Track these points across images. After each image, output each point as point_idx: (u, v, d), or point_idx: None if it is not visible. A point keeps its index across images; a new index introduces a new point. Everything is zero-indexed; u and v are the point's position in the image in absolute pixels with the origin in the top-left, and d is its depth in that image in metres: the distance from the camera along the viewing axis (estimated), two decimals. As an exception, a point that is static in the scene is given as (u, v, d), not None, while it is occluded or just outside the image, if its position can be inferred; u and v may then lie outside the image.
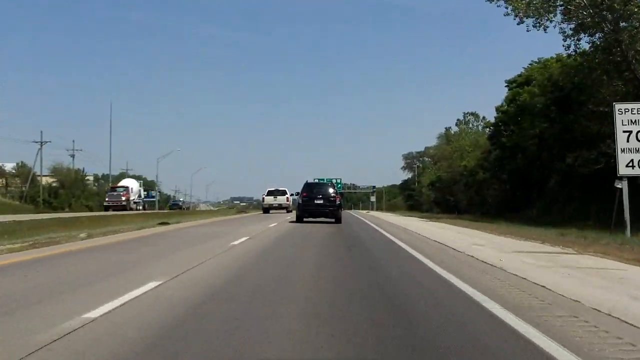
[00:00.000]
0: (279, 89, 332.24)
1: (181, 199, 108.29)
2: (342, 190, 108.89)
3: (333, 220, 23.87)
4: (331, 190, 24.93)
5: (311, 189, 25.08)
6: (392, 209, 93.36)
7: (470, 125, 72.89)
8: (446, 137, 73.09)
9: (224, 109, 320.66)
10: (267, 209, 42.10)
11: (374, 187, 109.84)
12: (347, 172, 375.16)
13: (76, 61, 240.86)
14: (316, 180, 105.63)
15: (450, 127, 74.74)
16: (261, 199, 45.58)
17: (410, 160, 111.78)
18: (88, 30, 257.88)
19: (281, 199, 42.56)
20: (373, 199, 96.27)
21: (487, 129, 47.51)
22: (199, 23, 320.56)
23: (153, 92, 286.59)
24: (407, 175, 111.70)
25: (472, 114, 73.97)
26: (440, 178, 59.03)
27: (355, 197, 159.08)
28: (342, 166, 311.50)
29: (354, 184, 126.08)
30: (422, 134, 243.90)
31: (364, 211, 74.41)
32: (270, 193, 42.92)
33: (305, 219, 24.36)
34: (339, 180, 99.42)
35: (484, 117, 73.58)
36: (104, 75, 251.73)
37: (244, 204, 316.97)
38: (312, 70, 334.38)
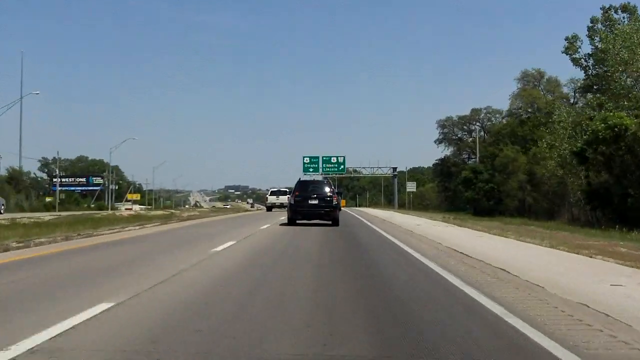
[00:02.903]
0: (270, 70, 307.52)
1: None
2: (344, 175, 74.71)
3: (330, 222, 22.04)
4: (327, 189, 22.97)
5: (305, 188, 23.25)
6: (417, 206, 55.44)
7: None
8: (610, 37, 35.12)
9: (216, 98, 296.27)
10: (270, 208, 48.57)
11: (395, 169, 72.22)
12: (349, 152, 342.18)
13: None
14: (307, 160, 70.79)
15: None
16: (265, 199, 53.37)
17: (449, 130, 73.63)
18: None
19: (283, 199, 46.30)
20: (411, 187, 57.74)
21: None
22: (198, 10, 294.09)
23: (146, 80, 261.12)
24: (444, 151, 73.64)
25: (626, 7, 36.63)
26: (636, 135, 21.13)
27: (357, 187, 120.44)
28: (343, 148, 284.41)
29: (355, 169, 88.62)
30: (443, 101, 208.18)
31: (378, 212, 38.42)
32: (273, 193, 49.63)
33: (298, 221, 22.62)
34: (341, 160, 66.15)
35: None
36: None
37: (239, 192, 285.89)
38: (306, 49, 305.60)
